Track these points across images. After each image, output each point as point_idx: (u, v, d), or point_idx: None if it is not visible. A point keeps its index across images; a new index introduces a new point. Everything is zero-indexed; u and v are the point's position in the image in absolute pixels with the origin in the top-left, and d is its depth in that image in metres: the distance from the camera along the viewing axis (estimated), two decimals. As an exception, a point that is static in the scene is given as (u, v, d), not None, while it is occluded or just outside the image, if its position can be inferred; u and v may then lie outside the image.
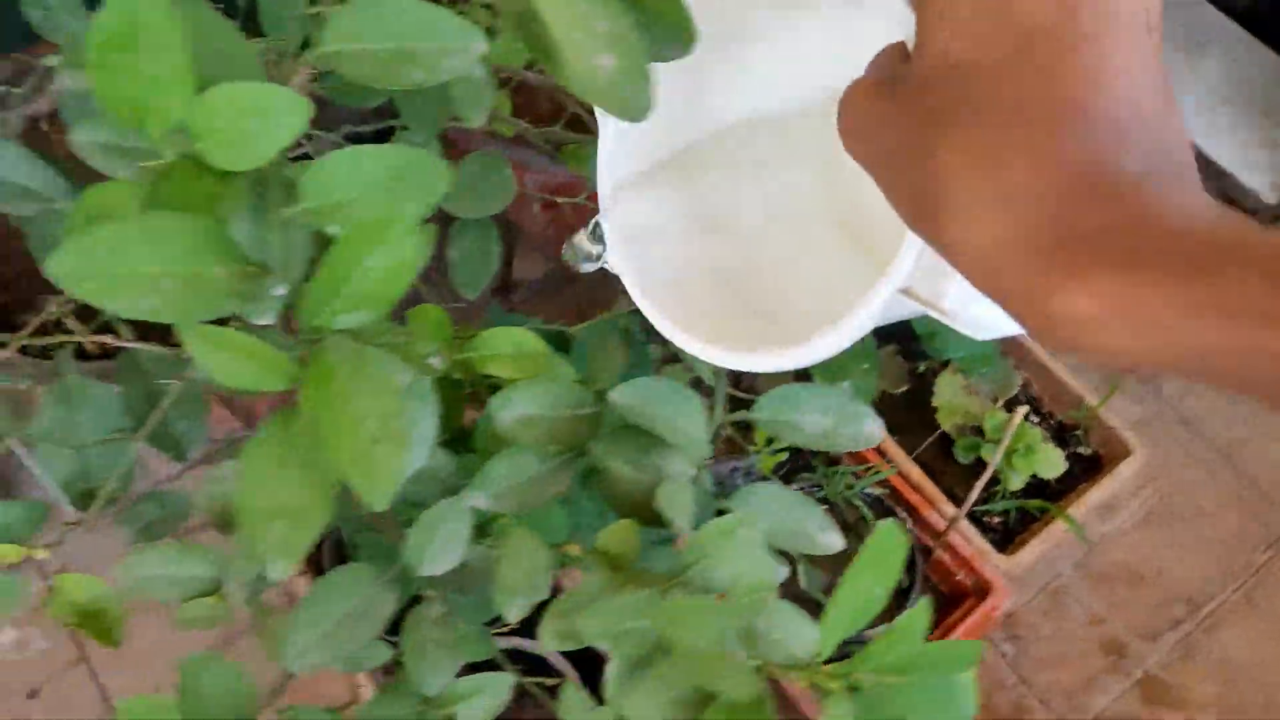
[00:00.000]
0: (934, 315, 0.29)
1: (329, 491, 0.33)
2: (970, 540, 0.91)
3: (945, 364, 1.07)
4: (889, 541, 0.35)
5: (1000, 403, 1.07)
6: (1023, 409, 0.95)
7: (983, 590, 0.91)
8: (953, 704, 0.35)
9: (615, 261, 0.37)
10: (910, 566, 0.91)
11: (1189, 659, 1.14)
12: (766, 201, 0.42)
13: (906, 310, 0.30)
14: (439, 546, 0.44)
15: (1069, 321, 0.18)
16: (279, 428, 0.34)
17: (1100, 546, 1.19)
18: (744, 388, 0.56)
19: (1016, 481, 1.01)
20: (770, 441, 0.89)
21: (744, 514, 0.43)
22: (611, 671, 0.40)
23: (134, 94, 0.30)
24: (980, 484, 0.90)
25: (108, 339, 0.49)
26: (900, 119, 0.22)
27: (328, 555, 0.89)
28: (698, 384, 0.51)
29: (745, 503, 0.46)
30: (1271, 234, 0.17)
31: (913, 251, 0.27)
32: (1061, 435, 1.07)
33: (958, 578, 0.93)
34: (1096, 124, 0.19)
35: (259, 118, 0.31)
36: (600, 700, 0.40)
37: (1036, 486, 1.03)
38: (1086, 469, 1.05)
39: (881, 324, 0.31)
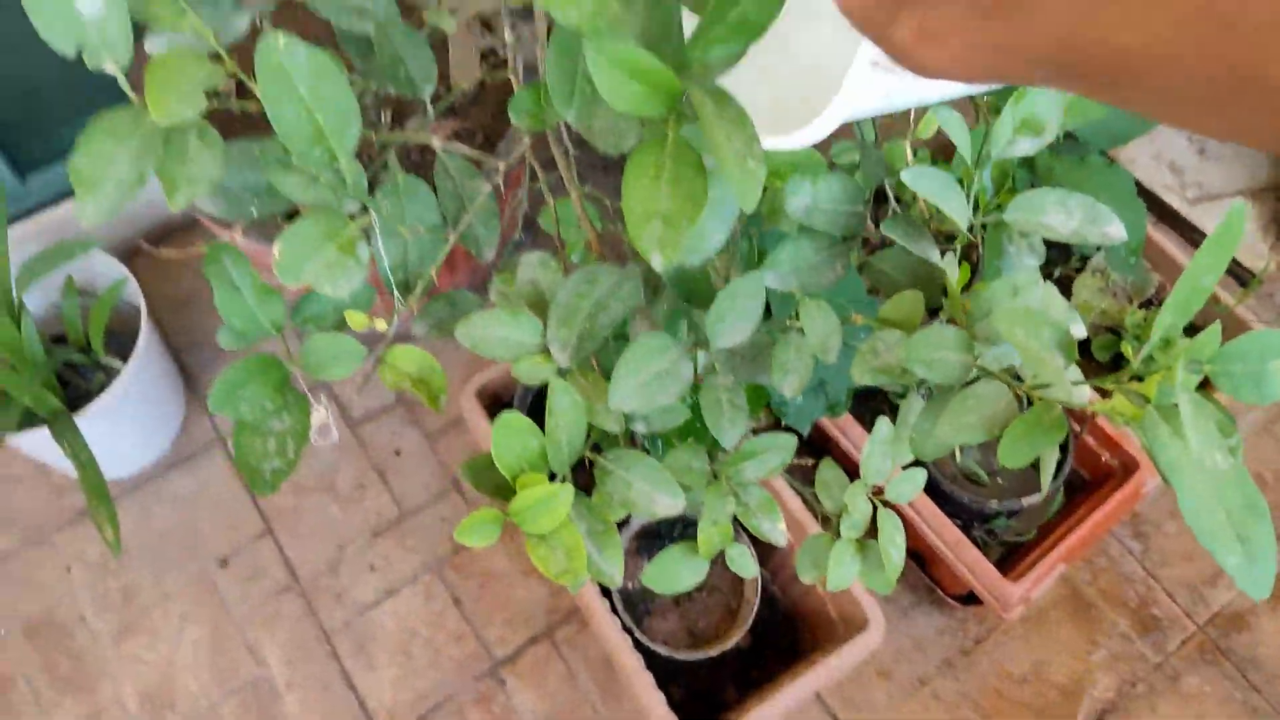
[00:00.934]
0: (898, 76, 0.34)
1: (698, 202, 0.39)
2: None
3: (1082, 268, 1.11)
4: (1233, 225, 0.39)
5: (1136, 303, 1.11)
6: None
7: (1128, 469, 0.95)
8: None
9: None
10: (1064, 446, 0.95)
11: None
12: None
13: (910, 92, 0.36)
14: (731, 324, 0.50)
15: (901, 47, 0.25)
16: (649, 152, 0.40)
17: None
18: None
19: (1154, 374, 1.04)
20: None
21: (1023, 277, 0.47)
22: (910, 407, 0.46)
23: None
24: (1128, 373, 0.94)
25: (437, 141, 0.55)
26: None
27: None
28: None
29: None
30: None
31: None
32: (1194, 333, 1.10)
33: (1103, 460, 0.97)
34: None
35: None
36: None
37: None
38: (1221, 366, 1.08)
39: (894, 104, 0.36)
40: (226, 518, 1.14)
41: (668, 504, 0.47)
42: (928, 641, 1.11)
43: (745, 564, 0.56)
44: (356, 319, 0.52)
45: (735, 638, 0.94)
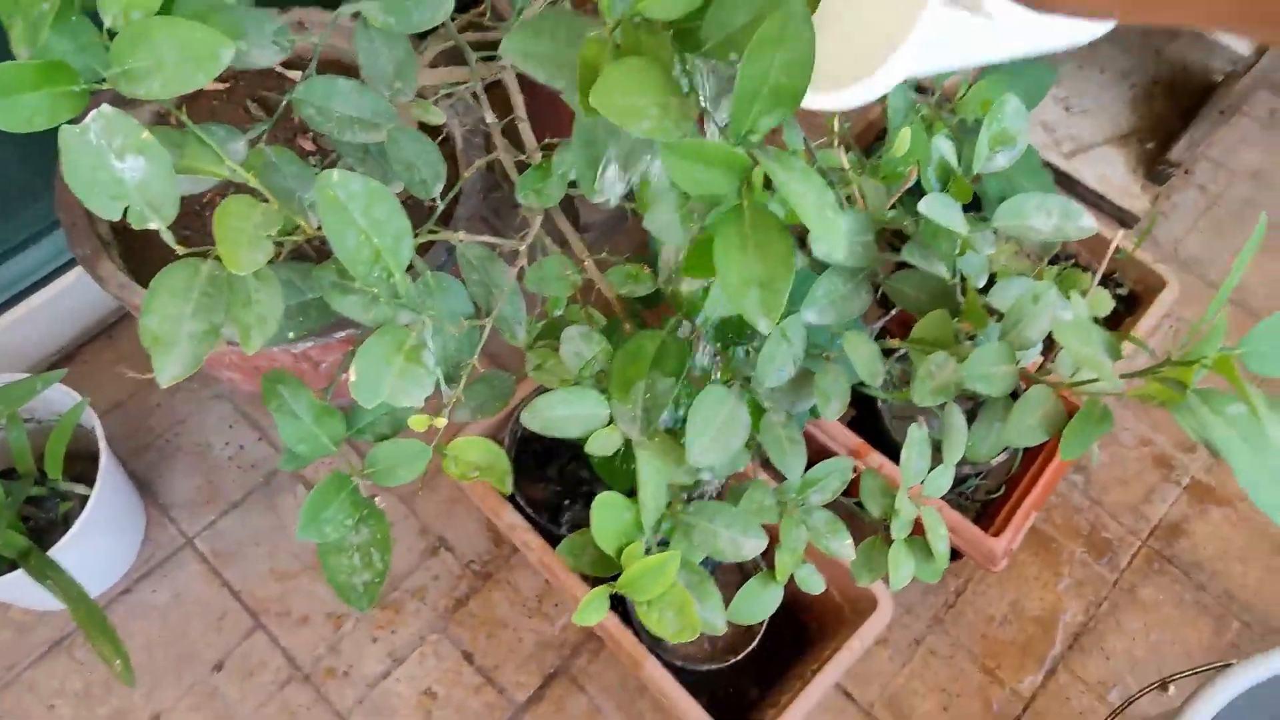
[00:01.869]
0: (980, 17, 0.33)
1: (788, 263, 0.42)
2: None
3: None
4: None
5: (1045, 260, 1.20)
6: (1069, 261, 1.08)
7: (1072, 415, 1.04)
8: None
9: None
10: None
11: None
12: None
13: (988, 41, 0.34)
14: (781, 363, 0.54)
15: None
16: (730, 224, 0.43)
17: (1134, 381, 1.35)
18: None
19: (1076, 323, 1.14)
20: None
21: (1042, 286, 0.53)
22: (952, 416, 0.50)
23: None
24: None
25: (460, 235, 0.56)
26: None
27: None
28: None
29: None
30: None
31: None
32: (1101, 280, 1.21)
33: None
34: None
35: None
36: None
37: (1090, 327, 1.17)
38: (1129, 305, 1.19)
39: (966, 59, 0.35)
40: (211, 619, 1.11)
41: (753, 545, 0.51)
42: (916, 603, 1.18)
43: (814, 581, 0.60)
44: (420, 421, 0.53)
45: (754, 641, 0.98)
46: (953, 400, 0.55)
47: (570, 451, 1.04)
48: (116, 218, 0.42)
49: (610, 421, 0.52)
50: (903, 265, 0.57)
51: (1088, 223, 0.59)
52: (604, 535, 0.48)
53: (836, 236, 0.39)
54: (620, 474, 0.64)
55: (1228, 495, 1.29)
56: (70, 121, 0.41)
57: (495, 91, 0.67)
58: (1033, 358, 0.58)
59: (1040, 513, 1.26)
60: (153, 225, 0.43)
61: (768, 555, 0.58)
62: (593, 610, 0.47)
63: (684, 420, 0.52)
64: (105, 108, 0.41)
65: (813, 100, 0.37)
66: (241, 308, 0.44)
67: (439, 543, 1.17)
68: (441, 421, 0.54)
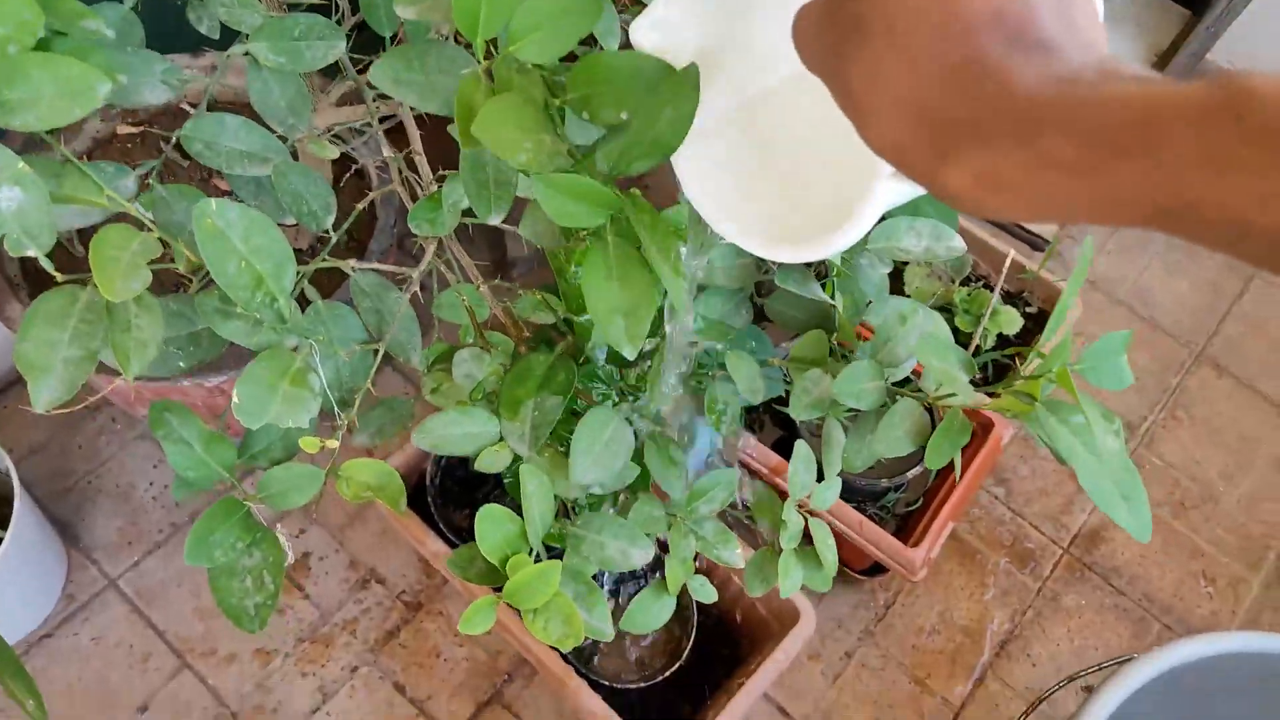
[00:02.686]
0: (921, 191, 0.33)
1: (650, 294, 0.44)
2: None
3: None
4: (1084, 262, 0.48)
5: (957, 282, 1.25)
6: (978, 283, 1.12)
7: (986, 429, 1.08)
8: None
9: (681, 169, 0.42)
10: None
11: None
12: (796, 123, 0.45)
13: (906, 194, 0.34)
14: (668, 381, 0.56)
15: (956, 192, 0.22)
16: (596, 255, 0.45)
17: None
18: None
19: (988, 341, 1.18)
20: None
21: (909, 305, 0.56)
22: (832, 432, 0.53)
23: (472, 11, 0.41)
24: (973, 344, 1.06)
25: (352, 264, 0.58)
26: (831, 30, 0.25)
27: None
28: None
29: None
30: (1122, 85, 0.20)
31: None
32: (1011, 300, 1.26)
33: (962, 422, 1.09)
34: (975, 18, 0.22)
35: (560, 19, 0.42)
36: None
37: (1001, 344, 1.21)
38: (1038, 323, 1.24)
39: (888, 209, 0.34)
40: (135, 661, 1.09)
41: (641, 555, 0.52)
42: (845, 618, 1.20)
43: (706, 591, 0.61)
44: (311, 444, 0.54)
45: (682, 657, 0.99)
46: (834, 417, 0.57)
47: (494, 480, 1.05)
48: (-7, 247, 0.43)
49: (501, 439, 0.54)
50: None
51: (957, 244, 0.62)
52: (489, 546, 0.49)
53: (679, 290, 0.42)
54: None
55: (1143, 502, 1.33)
56: (-58, 154, 0.42)
57: (400, 133, 0.69)
58: (904, 374, 0.61)
59: (965, 525, 1.29)
60: (30, 253, 0.44)
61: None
62: (479, 619, 0.48)
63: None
64: (-23, 141, 0.42)
65: (770, 252, 0.37)
66: (121, 333, 0.45)
67: (369, 575, 1.17)
68: (334, 444, 0.55)
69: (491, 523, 0.49)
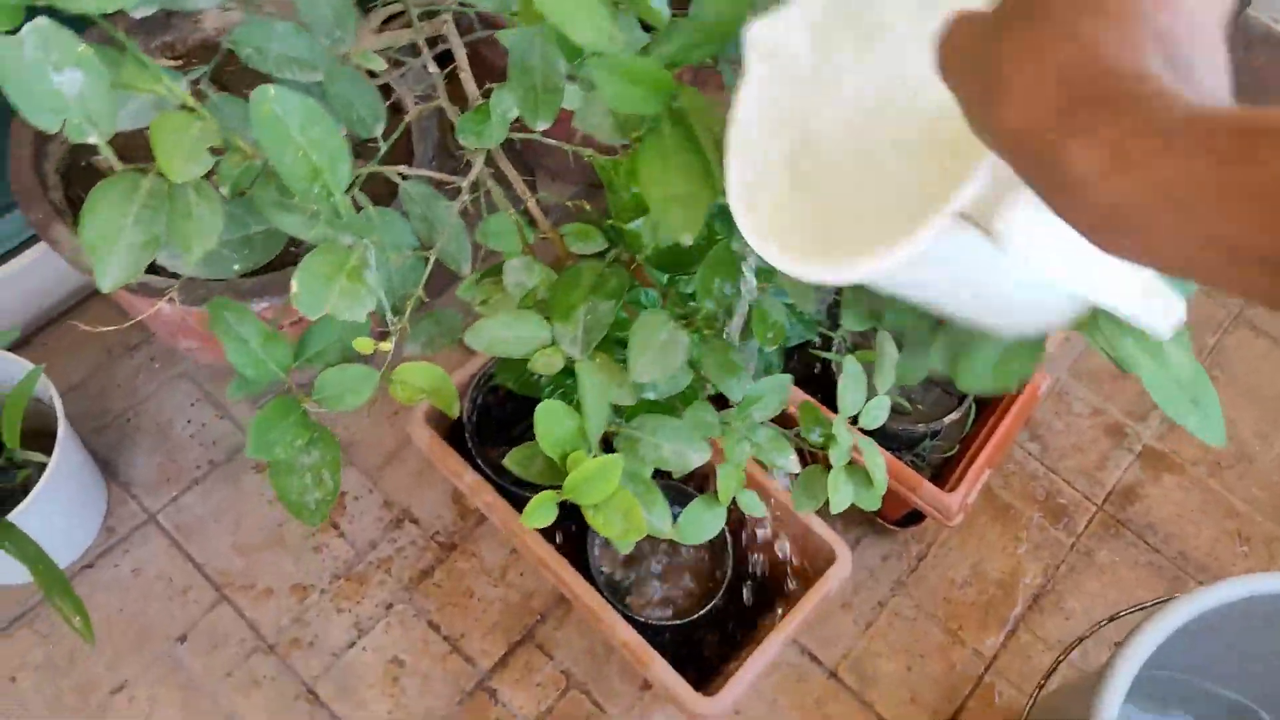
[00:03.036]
0: (986, 238, 0.29)
1: (708, 182, 0.44)
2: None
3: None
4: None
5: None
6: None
7: (1024, 376, 1.07)
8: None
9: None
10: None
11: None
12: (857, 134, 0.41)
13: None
14: (719, 286, 0.55)
15: (1078, 170, 0.22)
16: (652, 146, 0.45)
17: (1086, 353, 1.38)
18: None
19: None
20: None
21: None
22: (883, 345, 0.52)
23: None
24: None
25: (401, 169, 0.58)
26: (980, 33, 0.25)
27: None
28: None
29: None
30: (1244, 117, 0.20)
31: (979, 177, 0.28)
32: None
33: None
34: (1130, 20, 0.23)
35: None
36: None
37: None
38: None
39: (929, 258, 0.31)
40: (174, 593, 1.11)
41: (698, 457, 0.52)
42: (878, 568, 1.20)
43: (755, 504, 0.61)
44: (365, 344, 0.54)
45: (716, 597, 0.99)
46: (886, 329, 0.57)
47: (528, 421, 1.05)
48: (56, 129, 0.43)
49: (553, 343, 0.54)
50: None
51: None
52: (549, 442, 0.49)
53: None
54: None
55: (1180, 461, 1.32)
56: (8, 33, 0.42)
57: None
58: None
59: (998, 480, 1.28)
60: (91, 139, 0.44)
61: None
62: (540, 513, 0.48)
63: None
64: (41, 20, 0.42)
65: (807, 272, 0.35)
66: (182, 219, 0.45)
67: (404, 515, 1.18)
68: (387, 346, 0.55)
69: (552, 418, 0.49)
